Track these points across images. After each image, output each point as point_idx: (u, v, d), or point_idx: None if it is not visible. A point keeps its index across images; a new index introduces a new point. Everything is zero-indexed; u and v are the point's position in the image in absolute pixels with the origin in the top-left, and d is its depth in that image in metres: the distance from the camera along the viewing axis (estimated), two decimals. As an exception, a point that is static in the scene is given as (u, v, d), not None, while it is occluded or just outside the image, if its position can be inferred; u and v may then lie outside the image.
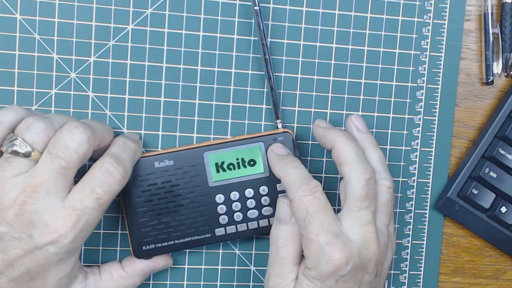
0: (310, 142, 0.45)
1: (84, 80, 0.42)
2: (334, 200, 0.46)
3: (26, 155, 0.35)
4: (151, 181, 0.41)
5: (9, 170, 0.35)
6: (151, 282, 0.45)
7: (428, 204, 0.47)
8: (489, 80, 0.46)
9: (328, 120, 0.45)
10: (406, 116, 0.46)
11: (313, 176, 0.45)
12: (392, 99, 0.46)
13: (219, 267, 0.45)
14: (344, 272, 0.37)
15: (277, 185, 0.43)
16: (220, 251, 0.45)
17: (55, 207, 0.35)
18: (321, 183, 0.45)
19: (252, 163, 0.43)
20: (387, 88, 0.45)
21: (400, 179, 0.46)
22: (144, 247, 0.42)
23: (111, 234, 0.44)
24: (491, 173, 0.45)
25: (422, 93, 0.46)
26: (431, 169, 0.47)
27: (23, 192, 0.34)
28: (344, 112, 0.45)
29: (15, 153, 0.35)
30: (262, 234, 0.44)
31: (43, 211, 0.35)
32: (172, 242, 0.42)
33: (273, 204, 0.43)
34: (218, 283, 0.45)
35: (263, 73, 0.44)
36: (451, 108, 0.46)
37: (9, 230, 0.34)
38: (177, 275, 0.45)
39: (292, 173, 0.39)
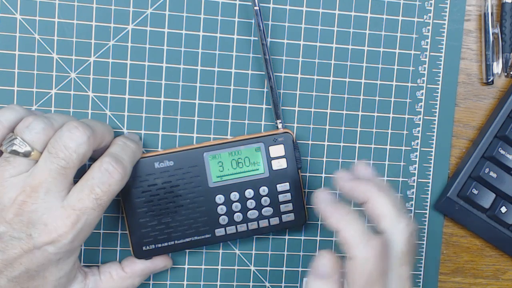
0: (310, 142, 0.45)
1: (84, 80, 0.42)
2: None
3: (26, 155, 0.35)
4: (151, 181, 0.41)
5: (8, 170, 0.35)
6: (151, 282, 0.45)
7: (428, 204, 0.47)
8: (489, 80, 0.46)
9: (328, 120, 0.45)
10: (406, 116, 0.46)
11: (313, 176, 0.45)
12: (392, 99, 0.46)
13: (219, 267, 0.45)
14: None
15: (277, 185, 0.43)
16: (220, 251, 0.45)
17: (55, 207, 0.35)
18: (321, 183, 0.45)
19: (252, 163, 0.42)
20: (387, 88, 0.45)
21: (400, 179, 0.46)
22: (144, 248, 0.42)
23: (111, 234, 0.44)
24: (491, 173, 0.44)
25: (422, 93, 0.46)
26: (431, 169, 0.46)
27: (23, 191, 0.34)
28: (344, 112, 0.45)
29: (15, 152, 0.35)
30: (262, 234, 0.44)
31: (42, 211, 0.35)
32: (172, 243, 0.42)
33: (273, 205, 0.43)
34: (218, 283, 0.45)
35: (263, 73, 0.44)
36: (451, 108, 0.46)
37: (8, 229, 0.34)
38: (177, 275, 0.45)
39: (352, 229, 0.34)
